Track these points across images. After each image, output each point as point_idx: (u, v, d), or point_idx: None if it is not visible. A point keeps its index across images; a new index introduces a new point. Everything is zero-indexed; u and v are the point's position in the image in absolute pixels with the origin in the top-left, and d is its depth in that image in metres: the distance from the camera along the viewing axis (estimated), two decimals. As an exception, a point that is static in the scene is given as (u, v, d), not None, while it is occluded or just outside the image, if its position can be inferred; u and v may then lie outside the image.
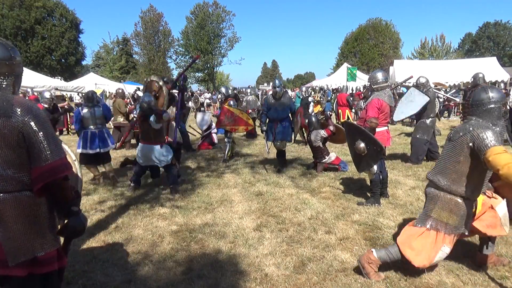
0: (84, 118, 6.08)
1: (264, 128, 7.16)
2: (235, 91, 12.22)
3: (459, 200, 2.73)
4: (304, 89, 12.23)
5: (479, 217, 2.92)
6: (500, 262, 3.15)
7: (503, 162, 2.32)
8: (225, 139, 8.06)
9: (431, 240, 2.79)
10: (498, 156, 2.38)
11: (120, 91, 10.85)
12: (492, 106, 2.73)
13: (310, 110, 10.01)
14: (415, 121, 8.04)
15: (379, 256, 2.95)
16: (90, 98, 6.25)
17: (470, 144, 2.61)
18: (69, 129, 13.96)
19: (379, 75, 4.87)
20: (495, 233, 2.94)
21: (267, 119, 7.05)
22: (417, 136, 7.14)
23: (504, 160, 2.34)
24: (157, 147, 5.49)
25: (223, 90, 9.26)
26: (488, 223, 2.92)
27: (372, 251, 3.00)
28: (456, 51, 49.14)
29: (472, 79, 8.18)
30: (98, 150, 6.06)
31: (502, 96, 2.79)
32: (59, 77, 31.00)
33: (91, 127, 6.08)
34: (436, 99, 8.18)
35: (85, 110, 6.10)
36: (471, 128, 2.64)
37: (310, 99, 10.62)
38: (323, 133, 6.61)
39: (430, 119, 7.14)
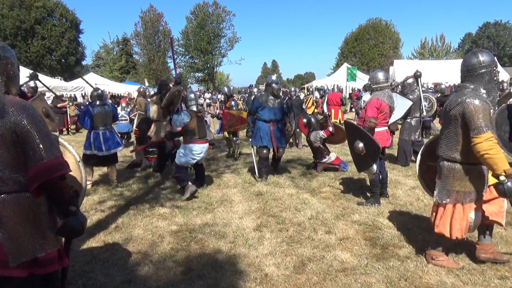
0: (96, 118, 5.89)
1: (250, 133, 6.29)
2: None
3: (473, 167, 2.85)
4: (293, 88, 11.86)
5: (490, 201, 3.03)
6: (500, 256, 3.19)
7: (484, 148, 2.62)
8: (234, 138, 8.30)
9: (459, 213, 2.94)
10: (484, 143, 2.63)
11: (142, 89, 10.80)
12: (483, 71, 2.82)
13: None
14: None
15: (436, 248, 3.12)
16: (101, 96, 6.10)
17: (462, 114, 2.75)
18: (69, 129, 13.98)
19: (380, 75, 4.87)
20: (497, 219, 3.06)
21: (255, 121, 6.26)
22: (404, 137, 7.12)
23: (487, 146, 2.62)
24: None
25: (225, 89, 9.21)
26: (495, 210, 3.05)
27: (428, 248, 3.18)
28: (456, 51, 49.10)
29: None
30: (110, 151, 5.94)
31: (492, 59, 2.86)
32: (59, 77, 31.00)
33: (101, 127, 5.95)
34: (434, 99, 8.19)
35: (97, 109, 5.93)
36: (463, 99, 2.76)
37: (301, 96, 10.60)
38: (322, 133, 6.62)
39: (415, 119, 7.13)
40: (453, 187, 2.92)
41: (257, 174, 6.30)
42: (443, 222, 3.01)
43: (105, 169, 6.39)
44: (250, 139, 6.40)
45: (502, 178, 2.58)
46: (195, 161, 5.43)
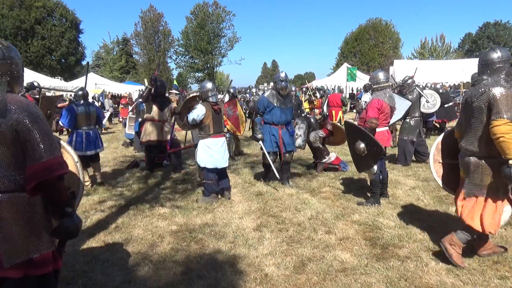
0: (79, 117, 5.86)
1: (259, 136, 5.66)
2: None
3: (500, 161, 2.80)
4: (294, 88, 11.73)
5: None
6: (498, 249, 3.25)
7: (501, 131, 2.65)
8: (227, 135, 8.15)
9: (491, 207, 2.91)
10: (502, 126, 2.66)
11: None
12: (501, 65, 2.89)
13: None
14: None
15: (459, 237, 3.07)
16: (86, 96, 6.10)
17: (486, 103, 2.78)
18: (69, 129, 14.00)
19: (381, 75, 4.87)
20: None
21: (261, 123, 5.74)
22: (404, 138, 7.11)
23: (504, 129, 2.65)
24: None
25: (231, 90, 9.30)
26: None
27: (453, 234, 3.11)
28: (456, 51, 49.05)
29: (471, 79, 8.17)
30: (93, 152, 5.89)
31: (508, 55, 2.93)
32: (59, 77, 30.98)
33: (84, 127, 5.91)
34: (438, 99, 8.19)
35: (81, 109, 5.91)
36: (486, 89, 2.80)
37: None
38: (321, 133, 6.63)
39: (414, 119, 7.13)
40: (483, 182, 2.92)
41: (277, 176, 5.66)
42: (471, 215, 2.97)
43: (105, 169, 6.40)
44: (261, 142, 5.72)
45: (511, 162, 2.65)
46: (217, 159, 5.04)
